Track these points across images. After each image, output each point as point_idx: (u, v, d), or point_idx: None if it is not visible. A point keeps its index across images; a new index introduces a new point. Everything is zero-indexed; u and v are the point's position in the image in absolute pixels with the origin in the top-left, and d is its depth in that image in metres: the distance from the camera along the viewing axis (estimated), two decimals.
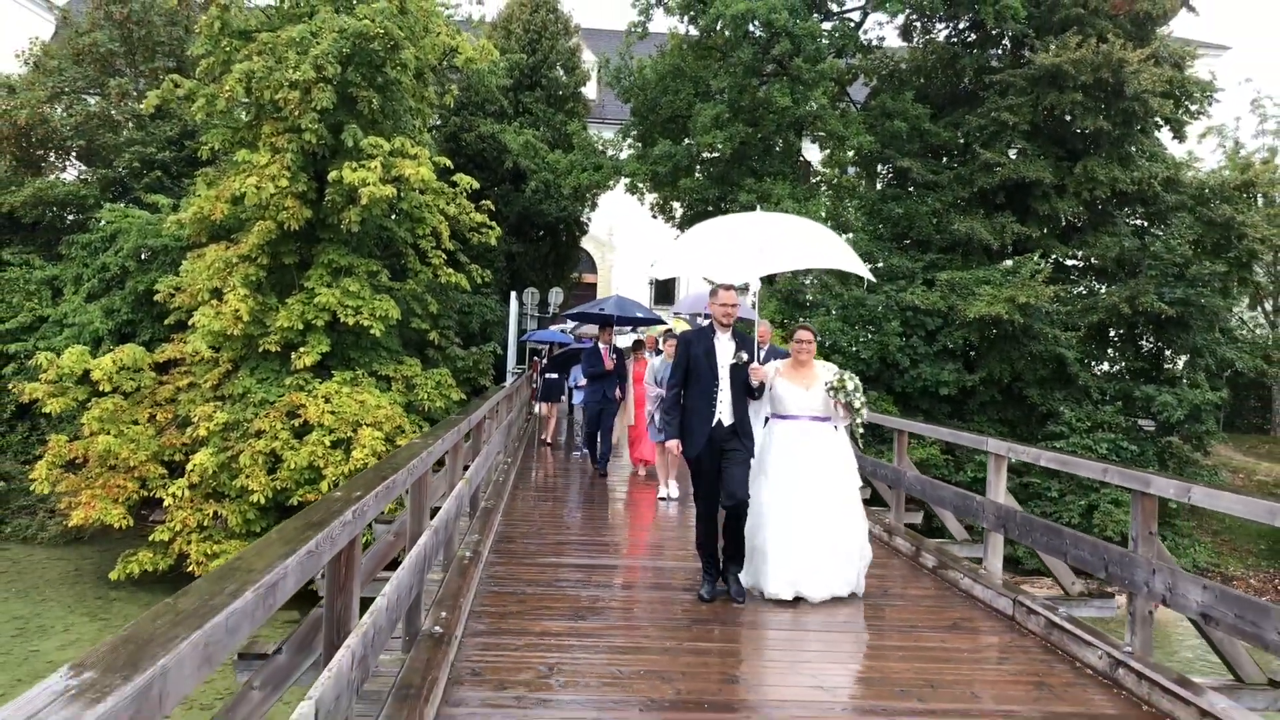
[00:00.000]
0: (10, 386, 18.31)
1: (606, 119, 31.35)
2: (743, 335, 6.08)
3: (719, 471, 5.80)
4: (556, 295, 25.29)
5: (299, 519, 2.69)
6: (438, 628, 4.50)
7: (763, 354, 6.81)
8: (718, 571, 5.93)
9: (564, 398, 17.59)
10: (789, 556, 5.78)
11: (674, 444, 6.09)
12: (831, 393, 5.96)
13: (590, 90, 29.58)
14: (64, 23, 26.66)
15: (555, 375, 16.73)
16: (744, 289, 9.28)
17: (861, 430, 6.12)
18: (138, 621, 1.66)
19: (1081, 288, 21.47)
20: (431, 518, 5.06)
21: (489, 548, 6.75)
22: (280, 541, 2.35)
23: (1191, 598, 4.25)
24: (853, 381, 5.98)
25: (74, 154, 24.57)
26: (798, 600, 5.79)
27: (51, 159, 24.81)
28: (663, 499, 9.81)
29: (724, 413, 5.82)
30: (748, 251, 6.22)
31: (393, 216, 17.79)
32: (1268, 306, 27.73)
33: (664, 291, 36.17)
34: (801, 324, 6.35)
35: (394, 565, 4.98)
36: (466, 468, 7.15)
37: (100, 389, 16.55)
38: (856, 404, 5.92)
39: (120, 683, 1.36)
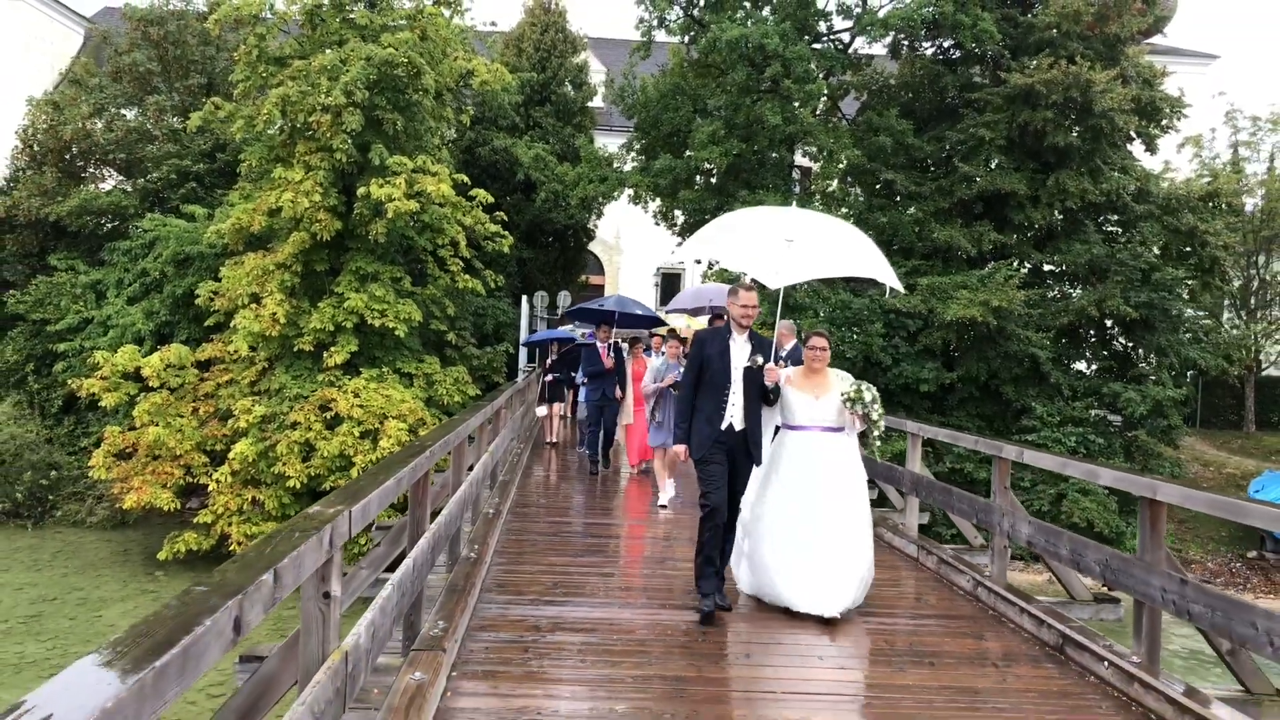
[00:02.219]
0: (69, 382, 19.91)
1: (614, 127, 32.83)
2: (760, 338, 5.79)
3: (724, 477, 5.57)
4: (564, 298, 26.84)
5: (396, 455, 4.27)
6: (472, 554, 6.09)
7: (785, 353, 7.10)
8: (718, 583, 5.61)
9: (569, 394, 18.19)
10: (796, 573, 5.61)
11: (680, 449, 5.76)
12: (849, 404, 5.76)
13: (598, 100, 31.08)
14: (103, 42, 28.30)
15: (557, 375, 17.09)
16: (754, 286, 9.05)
17: (880, 443, 5.88)
18: (341, 489, 3.25)
19: (1055, 292, 22.90)
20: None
21: (507, 509, 8.35)
22: (396, 462, 3.95)
23: (1023, 532, 5.80)
24: (870, 392, 5.79)
25: (114, 166, 26.18)
26: (804, 616, 5.55)
27: (90, 170, 26.45)
28: (663, 505, 9.26)
29: (734, 417, 5.58)
30: (777, 253, 5.94)
31: (415, 226, 19.33)
32: (1242, 309, 29.04)
33: (670, 291, 37.59)
34: (816, 330, 6.11)
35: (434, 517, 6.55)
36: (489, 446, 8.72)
37: (149, 385, 18.15)
38: (874, 415, 5.74)
39: (346, 506, 2.94)
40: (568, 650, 4.75)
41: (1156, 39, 39.42)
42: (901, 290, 6.44)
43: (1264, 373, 29.44)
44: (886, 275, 6.34)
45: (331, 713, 2.59)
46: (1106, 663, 4.60)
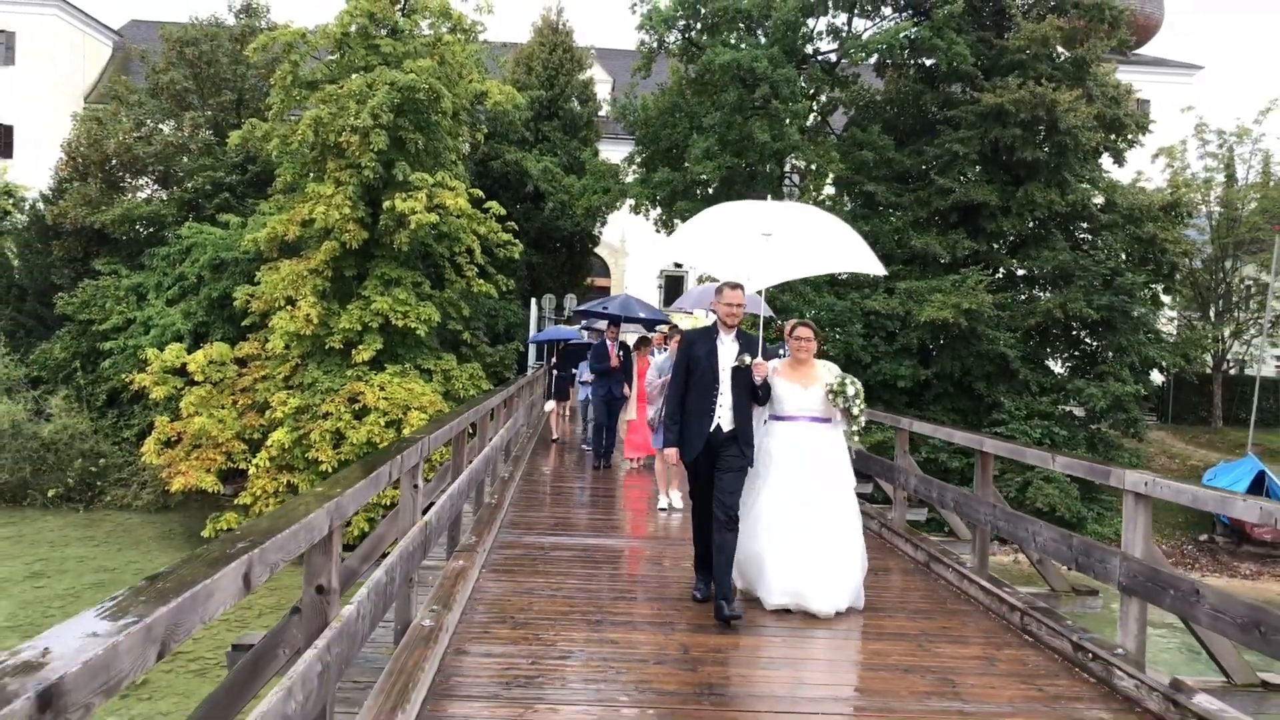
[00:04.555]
0: (121, 377, 21.78)
1: (619, 136, 34.50)
2: (748, 336, 5.72)
3: (714, 478, 5.55)
4: (570, 300, 28.70)
5: (445, 415, 6.10)
6: (493, 501, 7.93)
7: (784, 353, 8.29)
8: (708, 577, 5.63)
9: (570, 391, 19.17)
10: (788, 566, 5.59)
11: (672, 452, 5.74)
12: (831, 397, 5.77)
13: (604, 110, 32.80)
14: (140, 59, 30.25)
15: (560, 372, 18.07)
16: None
17: (857, 439, 5.92)
18: (421, 427, 5.05)
19: (1025, 295, 24.64)
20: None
21: (520, 475, 10.19)
22: (447, 418, 5.79)
23: (913, 484, 7.60)
24: (853, 387, 5.78)
25: (151, 176, 28.04)
26: (798, 612, 5.56)
27: (129, 180, 28.28)
28: (662, 510, 8.76)
29: (724, 418, 5.52)
30: (754, 251, 5.87)
31: (434, 236, 21.16)
32: (1210, 312, 30.64)
33: (674, 291, 39.32)
34: (801, 321, 6.09)
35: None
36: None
37: (193, 379, 20.05)
38: (855, 411, 5.74)
39: (427, 434, 4.75)
40: (564, 560, 6.58)
41: (1142, 50, 41.13)
42: (884, 273, 6.53)
43: (1236, 371, 31.09)
44: (868, 262, 6.26)
45: (420, 554, 4.40)
46: (952, 569, 6.41)
